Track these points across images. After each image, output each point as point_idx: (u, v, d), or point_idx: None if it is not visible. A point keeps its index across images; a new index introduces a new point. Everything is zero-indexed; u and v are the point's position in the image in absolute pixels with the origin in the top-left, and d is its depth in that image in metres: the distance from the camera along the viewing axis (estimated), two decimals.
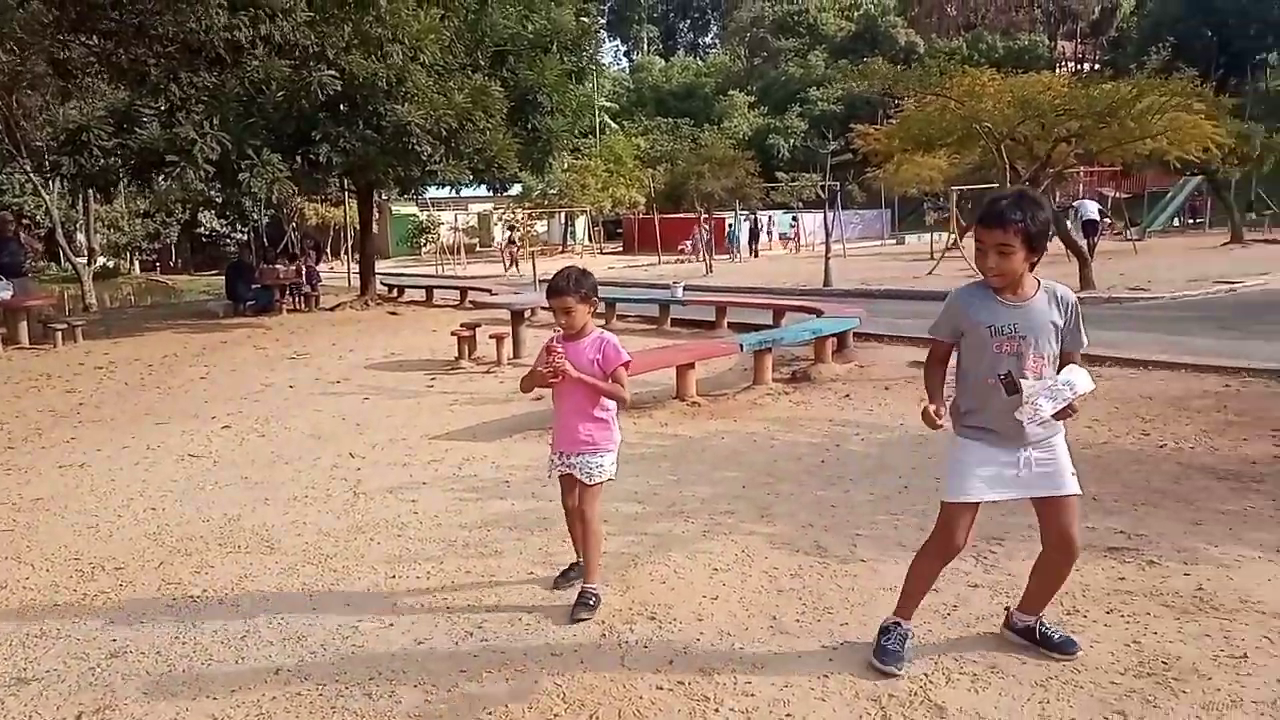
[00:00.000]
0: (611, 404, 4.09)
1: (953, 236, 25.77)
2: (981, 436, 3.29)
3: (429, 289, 21.19)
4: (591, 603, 3.95)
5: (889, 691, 3.18)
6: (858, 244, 38.62)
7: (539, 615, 3.92)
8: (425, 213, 41.19)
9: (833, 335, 10.39)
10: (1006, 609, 3.65)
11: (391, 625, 3.91)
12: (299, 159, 16.02)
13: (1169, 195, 35.67)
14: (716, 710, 3.11)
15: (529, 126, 17.87)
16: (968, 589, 4.04)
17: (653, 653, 3.54)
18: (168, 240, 43.42)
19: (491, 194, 21.09)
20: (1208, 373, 8.88)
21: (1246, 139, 27.45)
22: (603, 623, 3.81)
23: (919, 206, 43.95)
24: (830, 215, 26.68)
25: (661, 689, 3.26)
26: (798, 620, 3.80)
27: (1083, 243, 19.04)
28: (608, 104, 54.36)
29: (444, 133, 14.97)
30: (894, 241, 41.25)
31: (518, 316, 12.24)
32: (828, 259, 21.24)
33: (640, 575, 4.33)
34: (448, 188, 19.75)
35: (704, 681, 3.30)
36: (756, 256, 35.75)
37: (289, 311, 19.01)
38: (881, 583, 4.15)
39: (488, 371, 10.89)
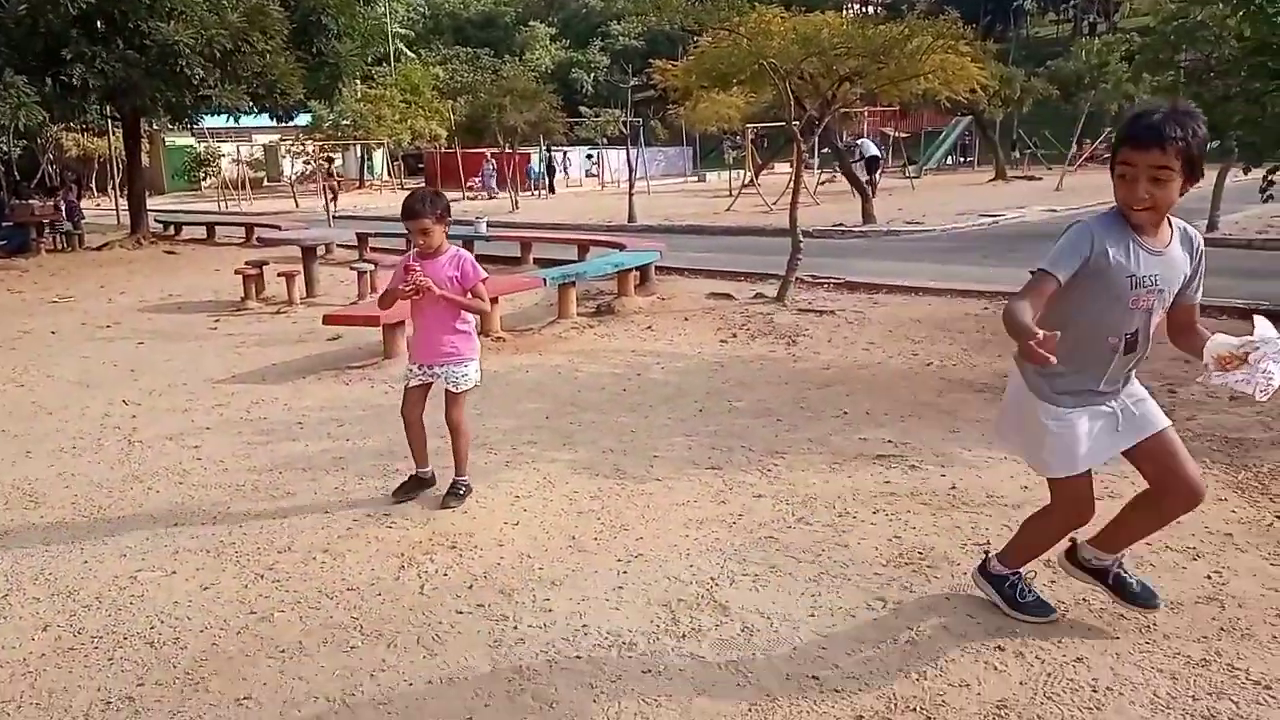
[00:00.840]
0: (472, 316, 4.41)
1: (749, 174, 26.66)
2: (1083, 401, 2.81)
3: (210, 226, 19.79)
4: (462, 491, 4.36)
5: (678, 596, 3.36)
6: (661, 181, 39.18)
7: (334, 555, 3.84)
8: (203, 144, 38.16)
9: (635, 269, 10.58)
10: (1072, 539, 3.17)
11: (174, 573, 3.73)
12: (49, 82, 14.39)
13: (942, 135, 38.30)
14: (515, 627, 3.18)
15: (314, 50, 16.85)
16: (752, 499, 4.31)
17: (452, 580, 3.57)
18: None
19: (276, 124, 19.76)
20: (970, 297, 9.73)
21: (1009, 82, 29.85)
22: (401, 555, 3.79)
23: (719, 144, 45.00)
24: (633, 152, 26.91)
25: (461, 613, 3.30)
26: (595, 539, 3.92)
27: (864, 179, 20.25)
28: (402, 30, 51.92)
29: (217, 54, 13.89)
30: (696, 179, 42.14)
31: (309, 253, 11.67)
32: (631, 195, 21.47)
33: (440, 511, 4.32)
34: (225, 116, 18.34)
35: (503, 602, 3.37)
36: (553, 193, 35.53)
37: (48, 252, 17.25)
38: (674, 499, 4.35)
39: (278, 312, 10.36)
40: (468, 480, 4.43)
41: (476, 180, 35.28)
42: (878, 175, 23.64)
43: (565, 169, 38.23)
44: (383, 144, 38.39)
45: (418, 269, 4.12)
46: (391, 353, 7.43)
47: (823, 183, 26.29)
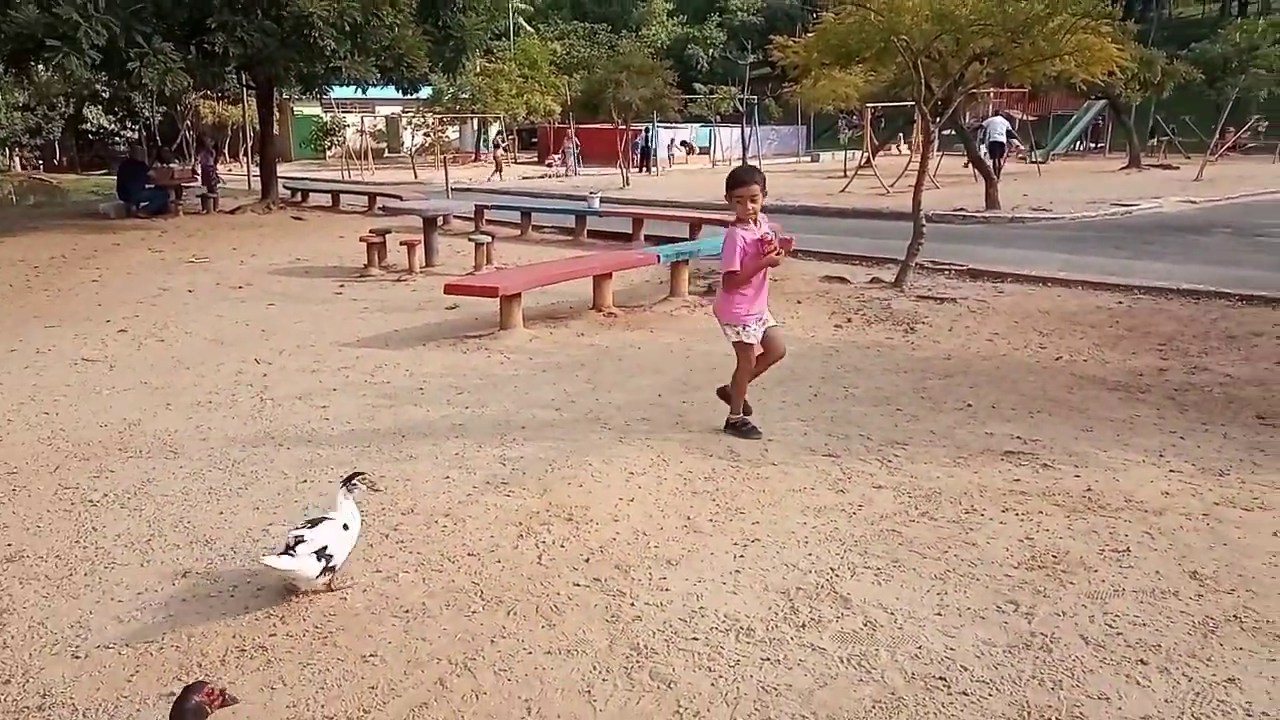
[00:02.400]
0: None
1: (866, 155, 25.99)
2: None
3: (335, 194, 20.44)
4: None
5: (797, 585, 3.30)
6: (774, 160, 38.61)
7: (455, 519, 3.92)
8: (330, 114, 39.45)
9: None
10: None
11: None
12: (193, 49, 15.05)
13: (1073, 118, 36.49)
14: (632, 604, 3.18)
15: (440, 24, 17.16)
16: (872, 489, 4.19)
17: (569, 552, 3.59)
18: (50, 136, 40.62)
19: (400, 95, 20.24)
20: (1101, 290, 9.26)
21: (1149, 64, 28.19)
22: (519, 524, 3.84)
23: (834, 124, 44.02)
24: (748, 130, 26.56)
25: (578, 585, 3.32)
26: (711, 520, 3.89)
27: (989, 163, 19.46)
28: (523, 5, 52.41)
29: (348, 26, 14.27)
30: (809, 159, 41.36)
31: (430, 223, 11.92)
32: None
33: (556, 479, 4.36)
34: (353, 87, 18.89)
35: (620, 577, 3.37)
36: (646, 172, 35.25)
37: (185, 214, 18.14)
38: (791, 484, 4.27)
39: (399, 279, 10.64)
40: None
41: (557, 156, 35.35)
42: (1002, 159, 22.71)
43: (660, 149, 37.76)
44: (499, 118, 38.94)
45: (772, 238, 4.76)
46: (508, 324, 7.53)
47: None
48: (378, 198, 18.88)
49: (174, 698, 2.05)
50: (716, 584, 3.33)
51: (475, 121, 42.21)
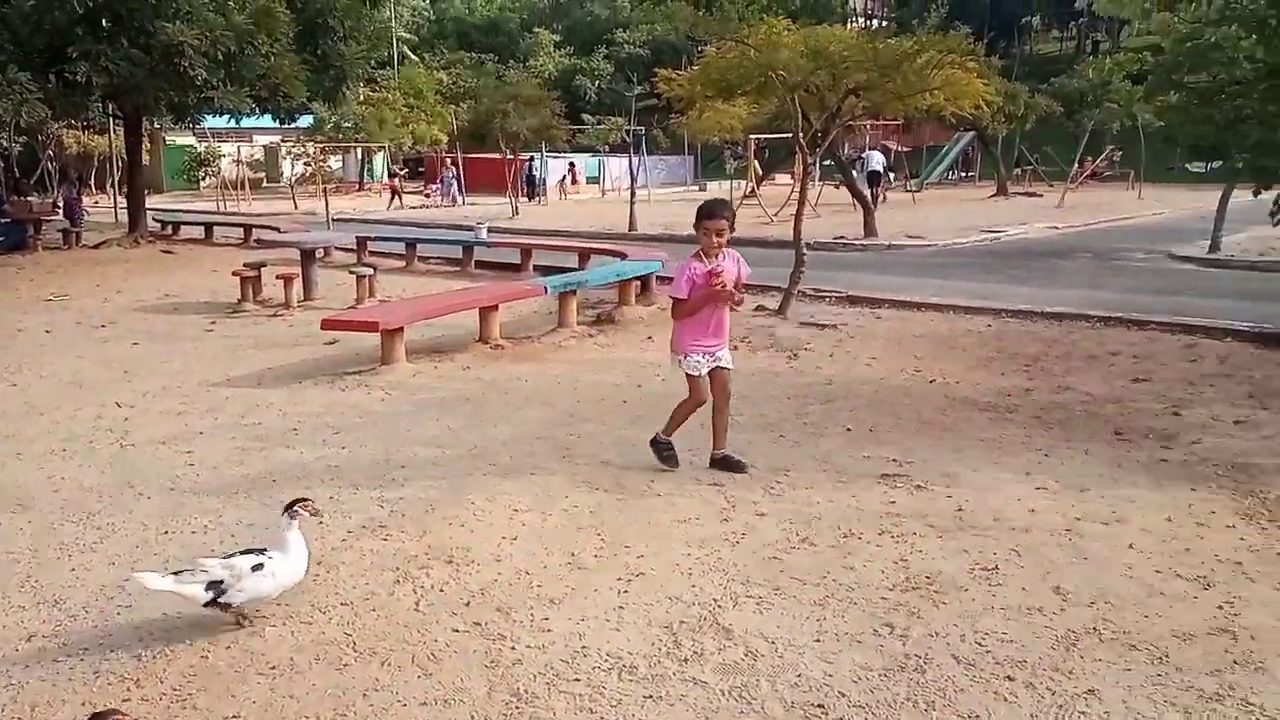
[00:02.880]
0: None
1: (750, 185, 26.62)
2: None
3: (208, 226, 19.68)
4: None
5: (680, 618, 3.29)
6: (662, 189, 39.14)
7: (328, 567, 3.76)
8: (204, 144, 38.06)
9: (636, 278, 10.51)
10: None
11: None
12: (53, 79, 14.32)
13: (945, 149, 38.27)
14: (513, 648, 3.10)
15: (319, 53, 16.78)
16: (756, 517, 4.23)
17: (448, 596, 3.49)
18: None
19: (278, 125, 19.70)
20: (972, 314, 9.67)
21: (1013, 98, 29.82)
22: (396, 569, 3.71)
23: (720, 154, 44.94)
24: (635, 160, 26.86)
25: (457, 631, 3.22)
26: (595, 556, 3.84)
27: (868, 192, 20.20)
28: (406, 35, 51.84)
29: (221, 55, 13.81)
30: (697, 188, 42.08)
31: (308, 256, 11.58)
32: (632, 204, 21.41)
33: (437, 520, 4.24)
34: (227, 116, 18.28)
35: (501, 620, 3.29)
36: (531, 200, 35.22)
37: (45, 250, 17.15)
38: (676, 515, 4.27)
39: (275, 315, 10.28)
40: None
41: (435, 185, 34.77)
42: (880, 189, 23.62)
43: (545, 178, 37.76)
44: (384, 147, 38.29)
45: (721, 271, 4.66)
46: (390, 359, 7.35)
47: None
48: (254, 230, 18.27)
49: None
50: (600, 621, 3.28)
51: (359, 151, 41.42)
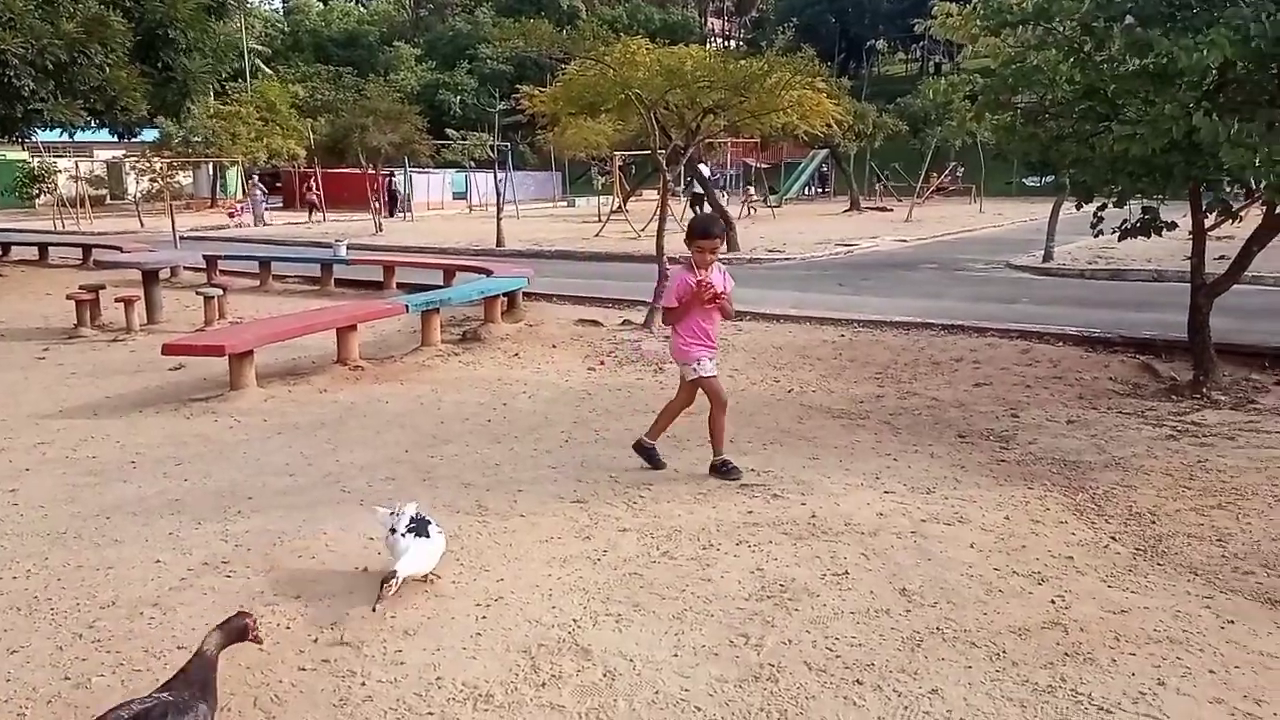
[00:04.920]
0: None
1: (617, 201, 26.85)
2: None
3: (42, 246, 18.41)
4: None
5: (539, 641, 3.25)
6: (530, 205, 39.02)
7: (164, 609, 3.54)
8: (37, 159, 35.62)
9: (502, 295, 10.41)
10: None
11: None
12: None
13: (801, 166, 39.68)
14: (363, 684, 2.99)
15: (160, 65, 15.92)
16: (618, 533, 4.23)
17: (295, 634, 3.33)
18: None
19: (118, 140, 18.59)
20: (827, 324, 10.01)
21: (862, 117, 31.21)
22: (240, 607, 3.52)
23: (588, 170, 45.20)
24: (501, 176, 26.66)
25: (304, 670, 3.08)
26: (454, 582, 3.76)
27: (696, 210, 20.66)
28: (259, 47, 49.99)
29: (51, 65, 12.91)
30: (565, 204, 42.17)
31: (150, 277, 10.97)
32: (499, 219, 21.25)
33: (285, 553, 4.06)
34: (59, 130, 17.13)
35: (351, 656, 3.16)
36: (390, 217, 34.44)
37: None
38: (538, 535, 4.23)
39: (115, 340, 9.68)
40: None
41: (242, 204, 32.80)
42: (701, 208, 24.37)
43: (410, 194, 37.03)
44: (237, 162, 36.75)
45: (709, 282, 4.93)
46: (239, 384, 7.02)
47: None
48: (93, 250, 17.20)
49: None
50: (456, 650, 3.20)
51: (211, 166, 39.61)
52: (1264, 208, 6.69)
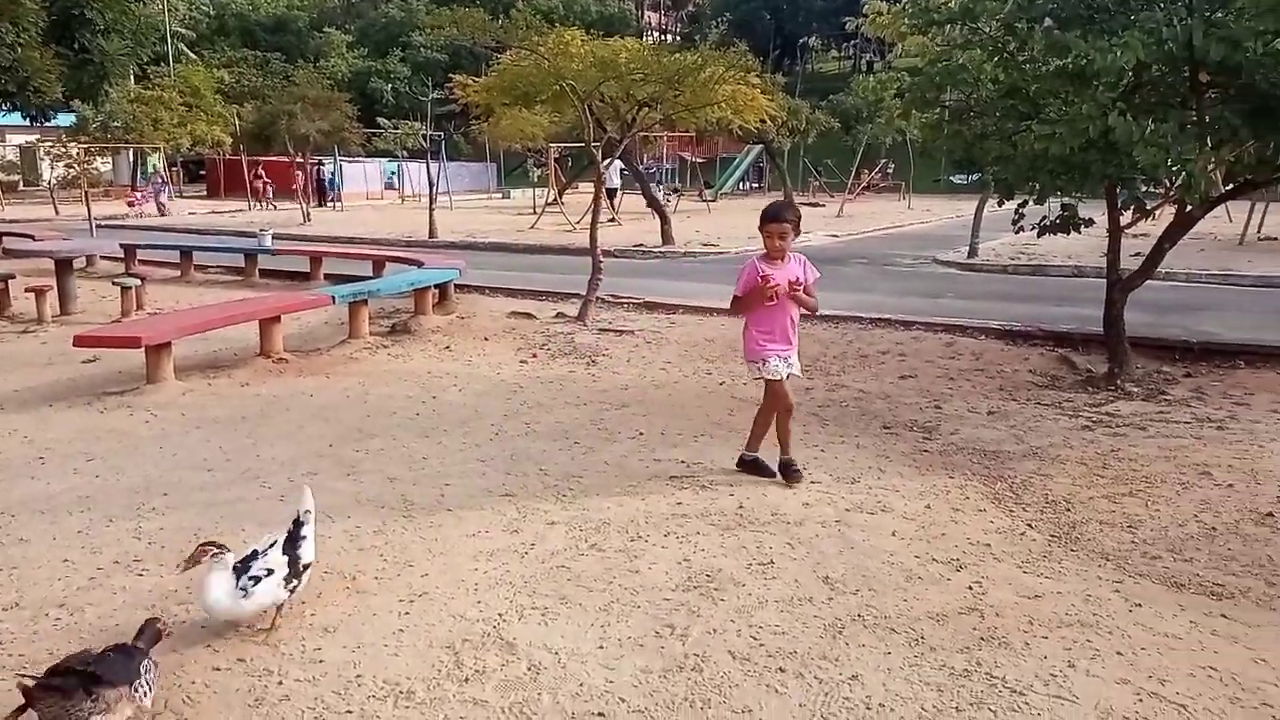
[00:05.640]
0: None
1: (552, 193, 26.70)
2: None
3: None
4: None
5: (463, 636, 3.21)
6: (465, 197, 38.61)
7: (71, 609, 3.41)
8: None
9: (433, 286, 10.27)
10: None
11: None
12: None
13: (736, 161, 39.98)
14: (280, 682, 2.92)
15: (76, 46, 15.37)
16: (546, 526, 4.21)
17: (209, 632, 3.24)
18: None
19: (30, 124, 17.87)
20: None
21: (796, 113, 31.52)
22: (151, 606, 3.41)
23: (523, 162, 44.91)
24: (435, 166, 26.31)
25: (219, 669, 3.00)
26: (376, 578, 3.69)
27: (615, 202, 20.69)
28: (183, 30, 48.48)
29: None
30: (500, 195, 41.82)
31: (64, 266, 10.56)
32: (432, 211, 20.97)
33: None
34: None
35: (267, 655, 3.09)
36: (323, 205, 33.77)
37: None
38: (465, 530, 4.18)
39: (25, 331, 9.30)
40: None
41: (139, 194, 30.54)
42: (616, 202, 24.77)
43: (340, 183, 36.33)
44: (159, 149, 35.61)
45: (773, 277, 4.62)
46: (156, 377, 6.80)
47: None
48: (4, 237, 16.48)
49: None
50: (378, 647, 3.15)
51: (131, 152, 38.32)
52: (1176, 206, 6.95)
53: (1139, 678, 2.93)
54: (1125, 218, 7.12)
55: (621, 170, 23.92)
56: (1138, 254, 8.20)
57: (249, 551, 3.19)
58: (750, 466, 4.96)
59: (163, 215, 27.88)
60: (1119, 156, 5.86)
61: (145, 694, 2.59)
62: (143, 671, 2.61)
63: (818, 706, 2.77)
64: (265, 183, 32.18)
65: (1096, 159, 6.03)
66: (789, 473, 4.83)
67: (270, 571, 3.12)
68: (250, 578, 3.07)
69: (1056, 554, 3.92)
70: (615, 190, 23.88)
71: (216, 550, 3.07)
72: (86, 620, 3.33)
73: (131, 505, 4.46)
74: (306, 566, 3.30)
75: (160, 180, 31.34)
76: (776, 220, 4.74)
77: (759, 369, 4.83)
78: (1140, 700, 2.81)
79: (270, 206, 29.78)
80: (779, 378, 4.79)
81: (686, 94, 10.44)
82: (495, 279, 12.91)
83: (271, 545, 3.23)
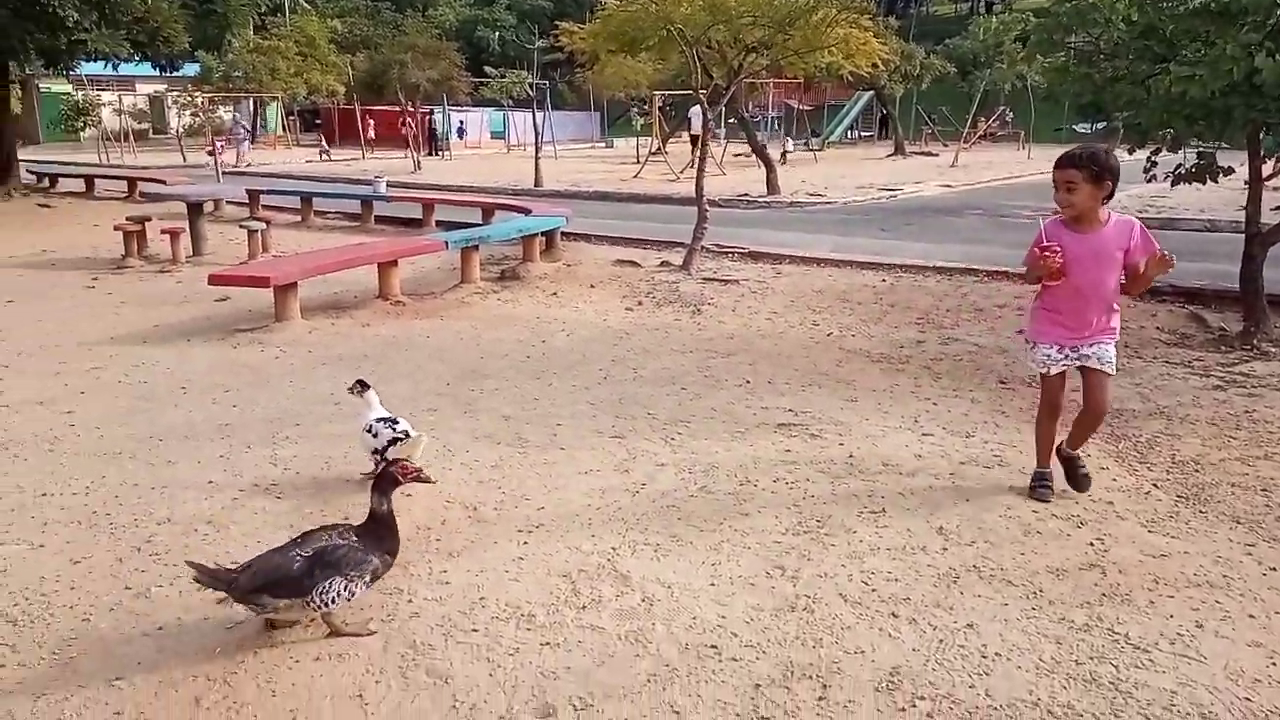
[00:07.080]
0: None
1: (656, 142, 26.54)
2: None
3: (89, 179, 18.64)
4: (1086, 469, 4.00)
5: (579, 567, 3.32)
6: (569, 146, 38.76)
7: (218, 526, 3.66)
8: (82, 92, 35.89)
9: (540, 234, 10.42)
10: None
11: (42, 546, 3.49)
12: None
13: (845, 109, 38.87)
14: (410, 600, 3.09)
15: None
16: (655, 468, 4.28)
17: None
18: None
19: (160, 74, 18.68)
20: (868, 269, 9.91)
21: (909, 58, 30.41)
22: (290, 527, 3.63)
23: (627, 110, 44.71)
24: (540, 115, 26.45)
25: None
26: (495, 509, 3.84)
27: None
28: None
29: None
30: (604, 144, 41.83)
31: (195, 210, 11.10)
32: (538, 159, 21.15)
33: (332, 477, 4.17)
34: (103, 62, 17.25)
35: (398, 574, 3.24)
36: (434, 155, 34.00)
37: None
38: (577, 468, 4.30)
39: (162, 270, 9.85)
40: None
41: (221, 141, 31.62)
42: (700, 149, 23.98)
43: (448, 132, 36.73)
44: (277, 98, 36.80)
45: (1055, 248, 3.63)
46: (284, 315, 7.13)
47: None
48: (139, 183, 17.39)
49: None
50: (499, 573, 3.29)
51: (252, 101, 39.69)
52: None
53: (1273, 642, 2.84)
54: (1268, 167, 6.69)
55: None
56: (1279, 207, 7.71)
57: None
58: (1033, 488, 3.96)
59: (239, 164, 28.06)
60: (1265, 100, 5.50)
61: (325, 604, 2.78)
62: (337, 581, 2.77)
63: (931, 652, 2.78)
64: (413, 131, 32.46)
65: (1239, 103, 5.66)
66: (1070, 466, 3.97)
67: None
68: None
69: (1184, 514, 3.79)
70: (697, 137, 23.48)
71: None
72: (232, 536, 3.57)
73: (267, 434, 4.73)
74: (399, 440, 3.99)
75: (243, 131, 32.10)
76: (1061, 166, 3.76)
77: (1030, 358, 3.96)
78: (1274, 664, 2.72)
79: (421, 154, 29.18)
80: (1044, 370, 3.86)
81: (796, 38, 10.17)
82: (600, 227, 13.00)
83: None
